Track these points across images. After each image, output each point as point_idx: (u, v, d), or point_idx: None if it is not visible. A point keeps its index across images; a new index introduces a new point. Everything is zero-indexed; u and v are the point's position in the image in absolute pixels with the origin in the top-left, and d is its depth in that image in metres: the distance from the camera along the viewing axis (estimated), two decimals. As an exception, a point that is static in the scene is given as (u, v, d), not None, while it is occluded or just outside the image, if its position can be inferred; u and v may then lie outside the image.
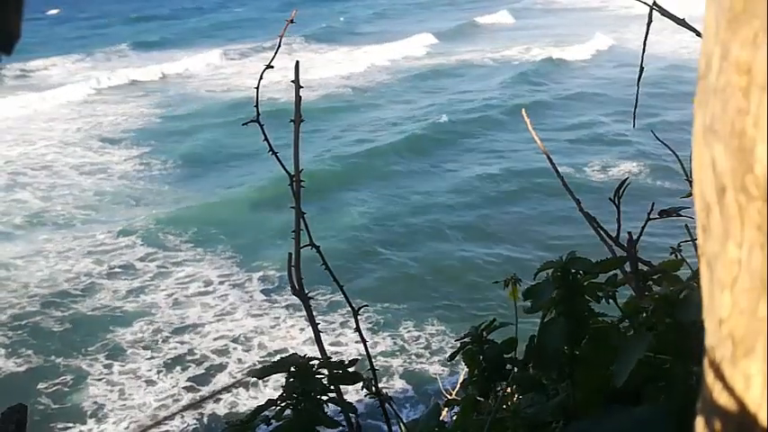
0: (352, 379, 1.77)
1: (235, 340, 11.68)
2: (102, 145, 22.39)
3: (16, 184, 19.37)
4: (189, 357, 11.37)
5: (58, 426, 10.10)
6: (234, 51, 36.20)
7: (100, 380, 10.99)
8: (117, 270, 14.21)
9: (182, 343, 11.72)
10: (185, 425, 9.52)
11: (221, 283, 13.44)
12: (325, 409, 1.72)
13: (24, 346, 11.82)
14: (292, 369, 1.68)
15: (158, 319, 12.52)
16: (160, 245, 14.96)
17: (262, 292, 13.09)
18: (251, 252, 14.40)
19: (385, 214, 16.11)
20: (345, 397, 1.82)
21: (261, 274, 13.61)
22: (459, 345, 1.93)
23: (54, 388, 10.82)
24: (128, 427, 9.83)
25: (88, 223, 16.45)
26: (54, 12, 54.22)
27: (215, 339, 11.73)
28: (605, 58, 29.17)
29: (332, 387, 1.72)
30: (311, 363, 1.70)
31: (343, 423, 1.82)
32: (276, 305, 12.42)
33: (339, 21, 42.70)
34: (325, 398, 1.71)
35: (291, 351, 10.40)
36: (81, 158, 21.22)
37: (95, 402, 10.47)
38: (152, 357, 11.45)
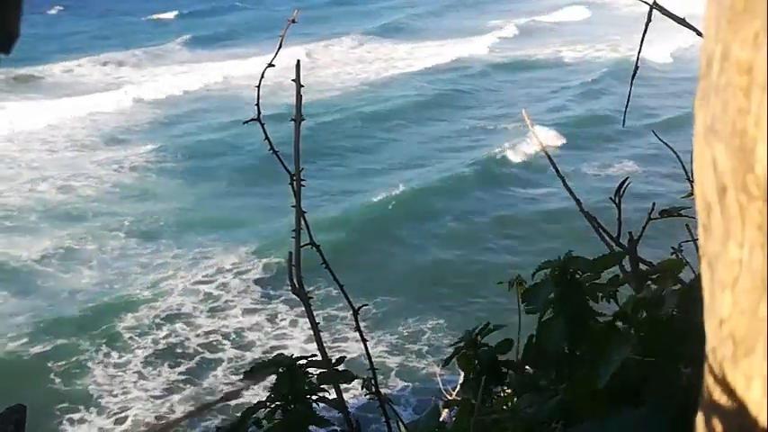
0: (343, 378, 1.76)
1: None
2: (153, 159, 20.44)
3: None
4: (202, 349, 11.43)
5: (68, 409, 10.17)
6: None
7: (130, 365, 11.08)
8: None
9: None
10: (181, 424, 9.55)
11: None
12: (318, 409, 1.71)
13: (41, 334, 11.87)
14: (281, 370, 1.68)
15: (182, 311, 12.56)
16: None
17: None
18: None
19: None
20: (346, 397, 1.82)
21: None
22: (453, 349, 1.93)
23: (71, 372, 10.88)
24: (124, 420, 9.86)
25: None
26: (53, 11, 52.64)
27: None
28: (686, 60, 26.32)
29: (322, 386, 1.72)
30: (299, 362, 1.70)
31: (336, 424, 1.82)
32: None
33: (399, 17, 40.40)
34: (314, 397, 1.70)
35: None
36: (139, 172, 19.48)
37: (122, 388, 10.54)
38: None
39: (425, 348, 11.31)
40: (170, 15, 46.59)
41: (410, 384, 10.42)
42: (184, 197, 17.64)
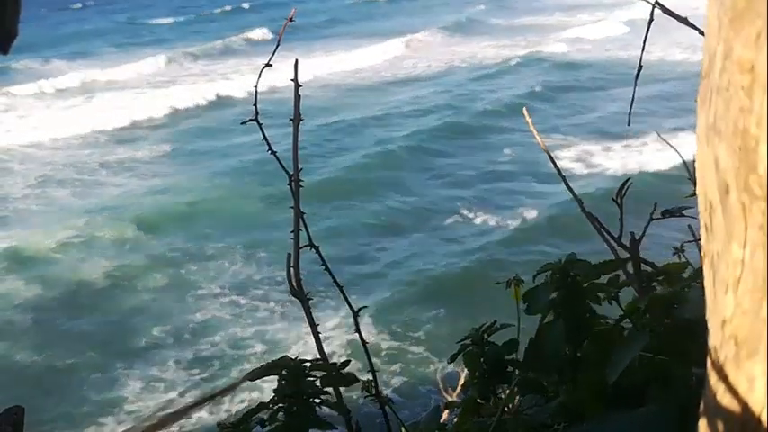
0: (346, 380, 1.77)
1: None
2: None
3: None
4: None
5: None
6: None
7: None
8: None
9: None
10: (179, 425, 9.55)
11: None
12: (320, 412, 1.72)
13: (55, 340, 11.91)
14: (284, 371, 1.68)
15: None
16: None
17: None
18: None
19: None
20: (346, 399, 1.81)
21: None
22: (459, 346, 1.93)
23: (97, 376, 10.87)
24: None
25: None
26: (79, 6, 51.13)
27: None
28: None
29: (325, 389, 1.72)
30: (303, 364, 1.70)
31: (337, 426, 1.82)
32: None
33: (468, 13, 38.90)
34: (317, 400, 1.71)
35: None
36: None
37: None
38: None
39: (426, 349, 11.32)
40: (246, 5, 45.66)
41: (410, 385, 10.42)
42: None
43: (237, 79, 26.78)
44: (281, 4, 44.55)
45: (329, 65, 28.63)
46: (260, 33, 35.85)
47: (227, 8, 45.65)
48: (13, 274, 13.79)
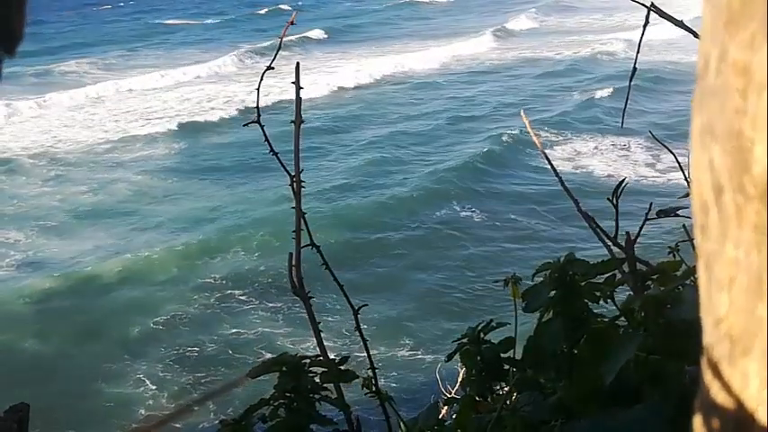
0: (345, 377, 1.77)
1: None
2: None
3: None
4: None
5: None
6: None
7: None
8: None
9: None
10: (180, 422, 9.55)
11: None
12: (320, 408, 1.72)
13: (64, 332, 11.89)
14: (284, 368, 1.69)
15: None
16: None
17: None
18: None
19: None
20: (346, 395, 1.82)
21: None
22: (456, 345, 1.93)
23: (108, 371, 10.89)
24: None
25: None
26: (106, 7, 49.66)
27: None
28: None
29: (325, 385, 1.73)
30: (303, 361, 1.71)
31: (336, 421, 1.82)
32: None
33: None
34: (317, 396, 1.71)
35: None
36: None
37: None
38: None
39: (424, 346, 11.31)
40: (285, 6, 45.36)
41: (409, 382, 10.41)
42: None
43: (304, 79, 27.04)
44: (325, 3, 44.40)
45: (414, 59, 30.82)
46: (316, 33, 36.42)
47: (266, 10, 45.51)
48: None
